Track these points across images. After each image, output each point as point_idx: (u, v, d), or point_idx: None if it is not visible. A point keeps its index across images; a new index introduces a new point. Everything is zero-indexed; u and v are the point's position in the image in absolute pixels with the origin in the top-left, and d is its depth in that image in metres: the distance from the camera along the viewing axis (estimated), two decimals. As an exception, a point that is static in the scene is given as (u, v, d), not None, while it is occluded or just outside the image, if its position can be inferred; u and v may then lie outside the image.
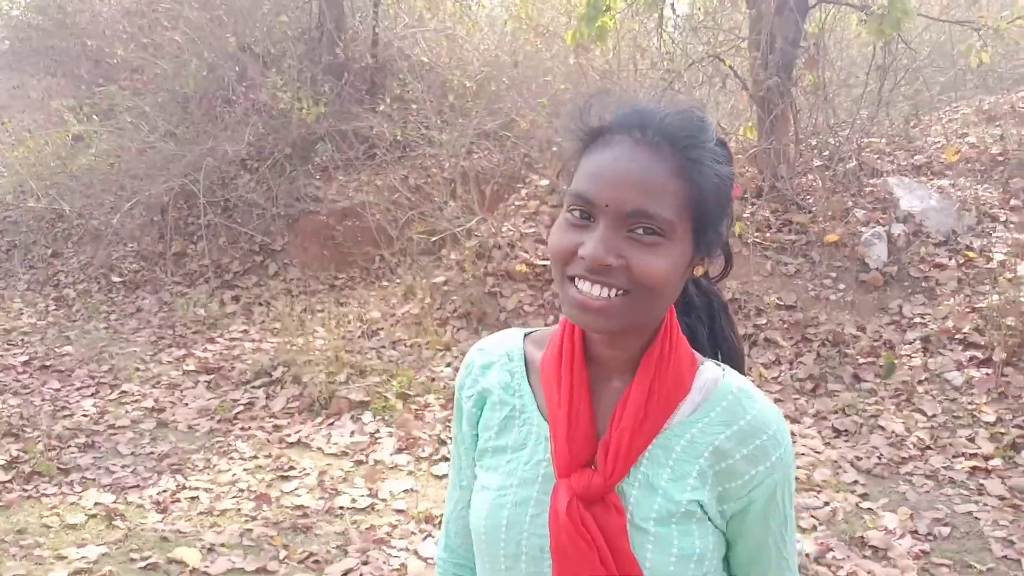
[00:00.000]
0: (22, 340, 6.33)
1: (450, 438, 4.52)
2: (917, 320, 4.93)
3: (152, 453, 4.33)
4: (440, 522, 3.57)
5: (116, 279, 7.62)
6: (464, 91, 8.03)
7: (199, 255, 7.69)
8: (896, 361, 4.62)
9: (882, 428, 4.11)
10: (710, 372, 0.98)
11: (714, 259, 0.99)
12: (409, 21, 9.06)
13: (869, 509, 3.45)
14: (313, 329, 6.07)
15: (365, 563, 3.22)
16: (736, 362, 1.06)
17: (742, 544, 0.98)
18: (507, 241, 6.27)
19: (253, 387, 5.20)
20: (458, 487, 1.11)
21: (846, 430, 4.16)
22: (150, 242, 7.97)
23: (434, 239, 6.78)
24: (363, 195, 7.57)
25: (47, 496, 3.74)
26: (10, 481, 3.87)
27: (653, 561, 0.91)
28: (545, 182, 6.76)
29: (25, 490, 3.78)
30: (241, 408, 4.92)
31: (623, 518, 0.91)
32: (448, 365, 5.46)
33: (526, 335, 1.08)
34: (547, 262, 6.13)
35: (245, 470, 4.12)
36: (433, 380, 5.18)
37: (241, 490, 3.89)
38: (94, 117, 7.71)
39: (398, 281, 6.85)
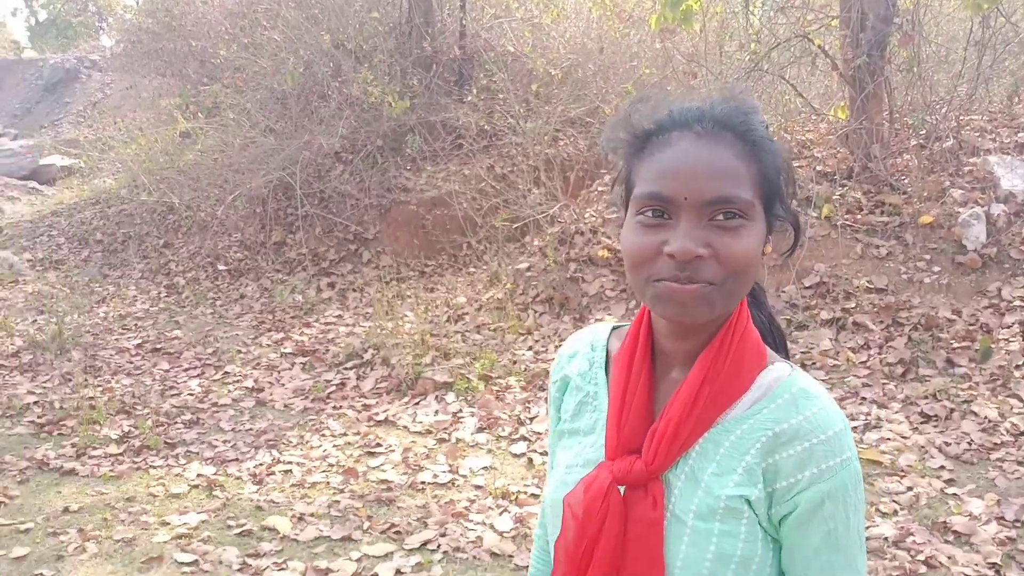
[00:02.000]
0: (136, 325, 6.80)
1: (529, 418, 4.63)
2: (1017, 303, 4.70)
3: (251, 429, 4.61)
4: (516, 498, 3.68)
5: (221, 267, 8.05)
6: (549, 79, 8.09)
7: (297, 244, 8.03)
8: (993, 345, 4.43)
9: (974, 414, 3.96)
10: (777, 371, 0.96)
11: (779, 235, 1.00)
12: (495, 12, 9.17)
13: (954, 495, 3.35)
14: (403, 314, 6.28)
15: (443, 535, 3.36)
16: (781, 343, 1.07)
17: (786, 556, 0.93)
18: (589, 227, 6.31)
19: (345, 368, 5.44)
20: (551, 468, 1.15)
21: (935, 415, 4.03)
22: (252, 232, 8.37)
23: (517, 226, 6.88)
24: (451, 184, 7.74)
25: (154, 468, 4.05)
26: (122, 454, 4.21)
27: (687, 556, 0.89)
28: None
29: (135, 462, 4.11)
30: (333, 388, 5.16)
31: (659, 512, 0.90)
32: (529, 349, 5.56)
33: (614, 328, 1.11)
34: (629, 247, 6.16)
35: (335, 446, 4.33)
36: (515, 363, 5.29)
37: (331, 465, 4.10)
38: (200, 115, 8.15)
39: (484, 268, 6.99)
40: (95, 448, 4.24)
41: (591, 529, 0.91)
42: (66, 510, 3.53)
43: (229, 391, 5.21)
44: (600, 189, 6.88)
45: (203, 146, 7.87)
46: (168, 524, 3.40)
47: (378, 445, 4.35)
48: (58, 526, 3.38)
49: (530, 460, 4.15)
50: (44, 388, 5.23)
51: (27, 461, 4.06)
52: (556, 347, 5.45)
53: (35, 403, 4.93)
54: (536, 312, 6.07)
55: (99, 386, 5.28)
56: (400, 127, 8.19)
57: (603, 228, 6.25)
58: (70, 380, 5.40)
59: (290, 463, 4.11)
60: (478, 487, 3.85)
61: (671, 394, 0.95)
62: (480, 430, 4.48)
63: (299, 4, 9.01)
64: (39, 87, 17.62)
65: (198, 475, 3.95)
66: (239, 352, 5.92)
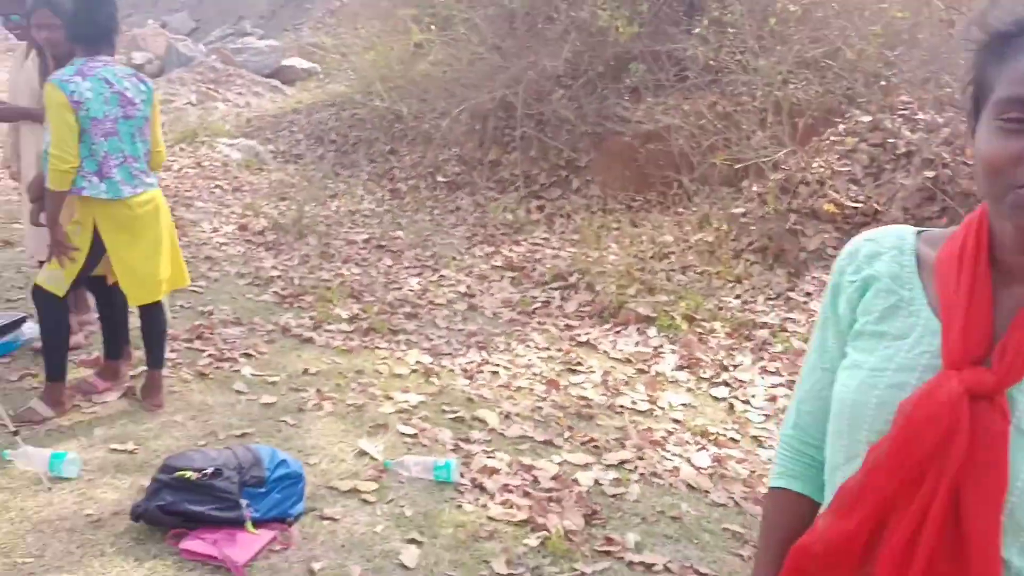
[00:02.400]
0: (363, 221, 7.32)
1: (732, 365, 4.58)
2: None
3: (462, 330, 4.89)
4: (716, 439, 3.69)
5: (440, 179, 8.44)
6: (788, 15, 7.64)
7: (511, 164, 8.24)
8: None
9: None
10: None
11: None
12: (736, -61, 8.72)
13: None
14: (607, 245, 6.35)
15: (640, 458, 3.45)
16: None
17: None
18: (816, 178, 6.00)
19: (551, 288, 5.61)
20: (818, 369, 1.14)
21: None
22: (471, 148, 8.68)
23: (737, 168, 6.68)
24: (669, 119, 7.59)
25: (379, 349, 4.42)
26: (352, 332, 4.62)
27: None
28: (868, 118, 6.32)
29: (363, 341, 4.49)
30: (539, 305, 5.35)
31: (1007, 423, 0.88)
32: (737, 297, 5.45)
33: (918, 233, 1.09)
34: (859, 205, 5.82)
35: (539, 358, 4.52)
36: (720, 309, 5.22)
37: (534, 374, 4.29)
38: (432, 27, 8.44)
39: (694, 209, 6.87)
40: (329, 324, 4.68)
41: (932, 436, 0.90)
42: (305, 371, 3.95)
43: (444, 292, 5.54)
44: (832, 139, 6.51)
45: (435, 59, 8.17)
46: (392, 399, 3.73)
47: (579, 364, 4.48)
48: (299, 384, 3.80)
49: (731, 405, 4.14)
50: (286, 266, 5.80)
51: (272, 325, 4.56)
52: (767, 299, 5.32)
53: (278, 277, 5.48)
54: (747, 261, 5.91)
55: (331, 270, 5.78)
56: (624, 55, 8.09)
57: (832, 180, 5.93)
58: (307, 262, 5.95)
59: (497, 365, 4.35)
60: (676, 421, 3.90)
61: (1014, 308, 0.93)
62: (680, 368, 4.50)
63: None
64: (288, -8, 18.93)
65: (417, 362, 4.26)
66: (454, 259, 6.25)
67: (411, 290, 5.58)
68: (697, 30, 7.77)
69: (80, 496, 2.69)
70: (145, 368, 3.49)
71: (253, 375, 3.83)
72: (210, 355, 3.98)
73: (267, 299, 5.05)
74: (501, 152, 8.51)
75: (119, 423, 3.24)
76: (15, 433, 2.73)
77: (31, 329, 3.91)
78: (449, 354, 4.49)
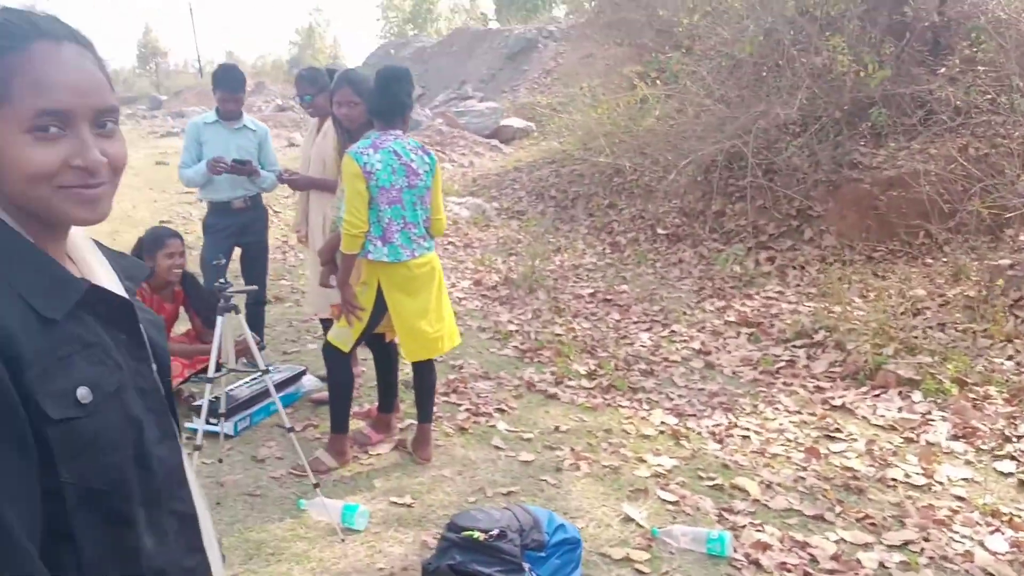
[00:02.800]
0: (587, 275, 7.39)
1: (1016, 436, 4.09)
2: None
3: (703, 389, 4.74)
4: (1011, 520, 3.27)
5: (660, 231, 8.37)
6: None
7: (737, 215, 8.02)
8: None
9: None
10: None
11: None
12: (989, -29, 8.06)
13: None
14: (850, 299, 5.95)
15: (926, 539, 3.12)
16: None
17: None
18: (1104, 225, 5.31)
19: (794, 346, 5.32)
20: None
21: None
22: (692, 200, 8.55)
23: (998, 217, 6.06)
24: (913, 164, 7.07)
25: (622, 407, 4.37)
26: (593, 389, 4.62)
27: None
28: None
29: (605, 398, 4.47)
30: (783, 364, 5.08)
31: None
32: (1010, 359, 4.89)
33: None
34: None
35: (791, 422, 4.27)
36: (993, 371, 4.69)
37: (789, 440, 4.05)
38: (658, 82, 8.46)
39: (944, 260, 6.32)
40: (570, 380, 4.71)
41: None
42: (556, 429, 3.98)
43: (677, 349, 5.42)
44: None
45: (661, 113, 8.17)
46: (645, 461, 3.65)
47: (837, 430, 4.18)
48: (552, 442, 3.83)
49: (1020, 481, 3.67)
50: (520, 320, 5.95)
51: (518, 380, 4.66)
52: (1051, 360, 4.72)
53: (516, 331, 5.63)
54: (1018, 318, 5.31)
55: (563, 325, 5.85)
56: (863, 99, 7.67)
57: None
58: (539, 316, 6.07)
59: (747, 429, 4.15)
60: (959, 498, 3.50)
61: None
62: (955, 437, 4.07)
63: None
64: (503, 55, 19.91)
65: (662, 422, 4.17)
66: (684, 314, 6.12)
67: (643, 346, 5.51)
68: (942, 70, 7.23)
69: (370, 549, 2.83)
70: (412, 422, 3.67)
71: (508, 431, 3.91)
72: (467, 409, 4.12)
73: (508, 353, 5.19)
74: (725, 203, 8.31)
75: (394, 476, 3.41)
76: (316, 485, 2.93)
77: (310, 381, 4.26)
78: (693, 415, 4.35)
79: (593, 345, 5.43)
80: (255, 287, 3.48)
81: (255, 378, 3.93)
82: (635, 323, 6.02)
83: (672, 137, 8.30)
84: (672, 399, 4.57)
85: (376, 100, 3.27)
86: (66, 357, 0.90)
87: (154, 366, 1.06)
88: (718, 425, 4.21)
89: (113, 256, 1.14)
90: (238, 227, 4.37)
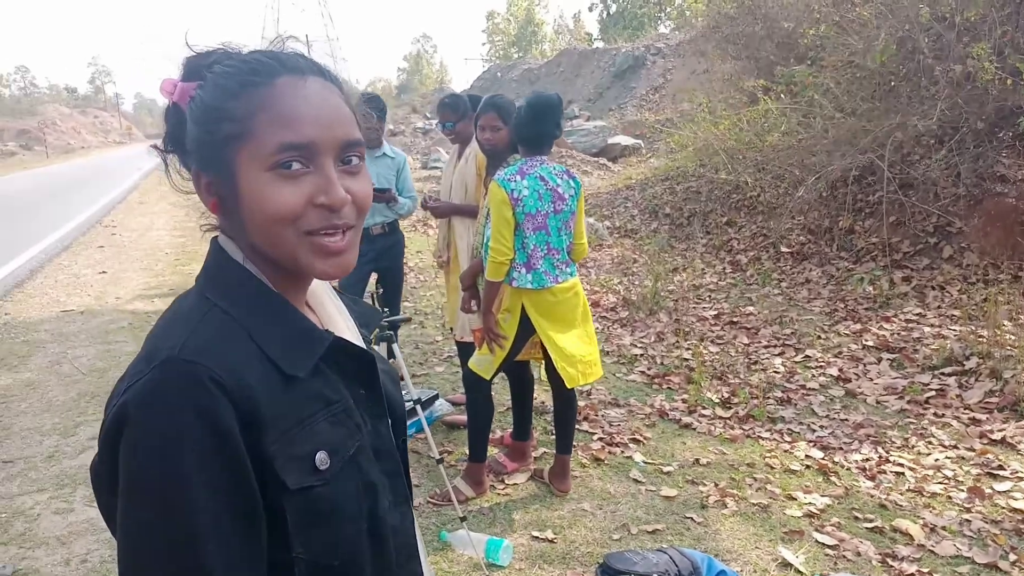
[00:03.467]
0: (709, 296, 7.17)
1: None
2: None
3: (846, 420, 4.48)
4: None
5: (784, 250, 8.06)
6: None
7: (867, 232, 7.63)
8: None
9: None
10: None
11: None
12: None
13: None
14: (1000, 322, 5.53)
15: (1124, 597, 2.82)
16: None
17: None
18: None
19: (943, 374, 4.97)
20: None
21: None
22: (816, 217, 8.20)
23: None
24: (1069, 176, 6.57)
25: (763, 439, 4.17)
26: (729, 418, 4.43)
27: None
28: None
29: (743, 429, 4.28)
30: (932, 393, 4.75)
31: None
32: None
33: None
34: None
35: (947, 458, 3.97)
36: None
37: (947, 477, 3.76)
38: (783, 96, 8.18)
39: (1103, 280, 5.81)
40: (703, 408, 4.54)
41: None
42: (696, 462, 3.83)
43: (814, 375, 5.16)
44: None
45: (787, 127, 7.88)
46: (795, 499, 3.46)
47: (1000, 467, 3.85)
48: (694, 476, 3.68)
49: None
50: (643, 343, 5.81)
51: (649, 408, 4.53)
52: None
53: (641, 356, 5.50)
54: None
55: (689, 348, 5.68)
56: (1008, 108, 7.17)
57: None
58: (663, 339, 5.91)
59: (900, 465, 3.88)
60: None
61: None
62: None
63: (895, -23, 8.43)
64: (610, 74, 19.82)
65: (806, 456, 3.96)
66: (818, 337, 5.84)
67: (776, 371, 5.27)
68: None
69: (516, 586, 2.77)
70: (546, 450, 3.60)
71: (646, 463, 3.79)
72: (600, 439, 4.03)
73: (636, 379, 5.06)
74: (854, 220, 7.93)
75: (533, 508, 3.35)
76: (463, 519, 2.90)
77: (443, 405, 4.26)
78: (839, 448, 4.11)
79: (723, 371, 5.24)
80: (408, 317, 3.49)
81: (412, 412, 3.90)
82: (765, 347, 5.78)
83: (799, 152, 7.98)
84: (814, 430, 4.33)
85: (525, 128, 3.24)
86: (308, 418, 0.86)
87: (388, 421, 1.01)
88: (867, 460, 3.95)
89: (347, 302, 1.10)
90: (375, 253, 4.43)
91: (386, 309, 3.10)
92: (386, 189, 4.29)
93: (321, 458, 0.85)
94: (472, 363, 3.41)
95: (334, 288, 1.11)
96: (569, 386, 3.33)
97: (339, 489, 0.87)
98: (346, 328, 1.02)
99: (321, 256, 0.87)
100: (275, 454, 0.82)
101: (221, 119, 0.85)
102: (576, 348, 3.30)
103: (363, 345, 1.02)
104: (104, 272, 9.09)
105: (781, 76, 8.21)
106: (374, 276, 4.65)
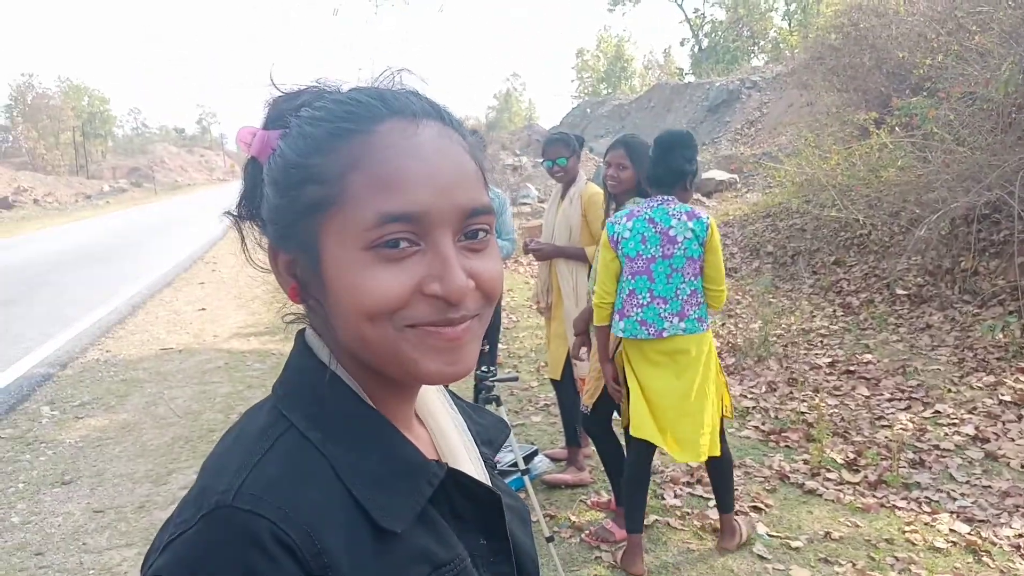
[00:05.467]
0: (821, 342, 6.72)
1: None
2: None
3: (989, 487, 4.01)
4: None
5: (900, 292, 7.53)
6: None
7: (993, 273, 7.05)
8: None
9: None
10: None
11: None
12: None
13: None
14: None
15: None
16: None
17: None
18: None
19: (1103, 436, 4.44)
20: None
21: None
22: (935, 256, 7.65)
23: None
24: None
25: (898, 509, 3.76)
26: (858, 484, 4.02)
27: None
28: None
29: (876, 498, 3.87)
30: (1094, 460, 4.23)
31: None
32: None
33: None
34: None
35: (1121, 538, 3.47)
36: None
37: (1123, 563, 3.28)
38: (895, 129, 7.71)
39: None
40: (828, 470, 4.15)
41: None
42: (827, 535, 3.45)
43: (947, 434, 4.68)
44: None
45: (903, 162, 7.40)
46: (947, 585, 3.06)
47: None
48: (826, 553, 3.30)
49: None
50: (754, 394, 5.43)
51: (767, 469, 4.17)
52: None
53: (752, 408, 5.13)
54: None
55: (804, 401, 5.28)
56: None
57: None
58: (775, 390, 5.52)
59: (1063, 545, 3.41)
60: None
61: None
62: None
63: (1019, 3, 7.89)
64: (703, 108, 19.45)
65: (951, 530, 3.53)
66: (948, 390, 5.34)
67: (903, 429, 4.82)
68: None
69: None
70: (655, 517, 3.30)
71: (770, 535, 3.44)
72: (716, 505, 3.69)
73: (750, 435, 4.70)
74: (977, 261, 7.35)
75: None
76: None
77: (543, 463, 4.02)
78: (986, 521, 3.65)
79: (845, 427, 4.82)
80: (516, 377, 3.29)
81: (510, 472, 3.67)
82: (889, 400, 5.32)
83: (916, 188, 7.48)
84: (955, 499, 3.88)
85: (652, 167, 3.03)
86: None
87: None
88: (1020, 536, 3.50)
89: (466, 410, 0.86)
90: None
91: (493, 368, 2.90)
92: (486, 233, 4.12)
93: None
94: (632, 429, 3.11)
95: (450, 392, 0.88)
96: (681, 460, 3.05)
97: None
98: (463, 450, 0.78)
99: (431, 353, 0.65)
100: None
101: (304, 181, 0.65)
102: (673, 418, 3.01)
103: (485, 477, 0.79)
104: (203, 309, 9.27)
105: (899, 108, 7.74)
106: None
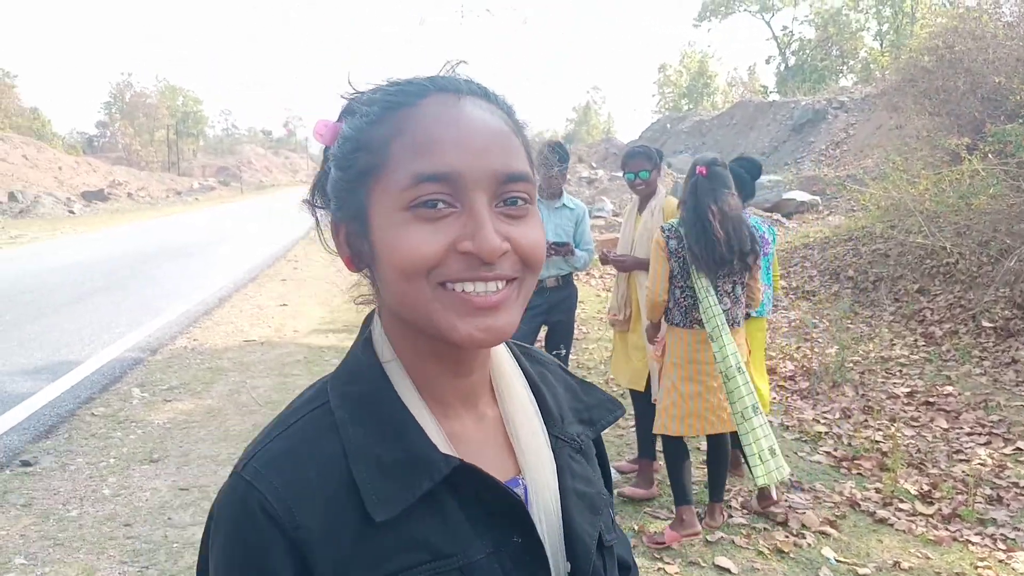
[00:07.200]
0: (899, 371, 6.55)
1: None
2: None
3: (1074, 530, 3.87)
4: None
5: (986, 324, 7.28)
6: None
7: (1087, 310, 6.76)
8: None
9: None
10: None
11: None
12: None
13: None
14: None
15: None
16: None
17: None
18: None
19: None
20: None
21: None
22: (1025, 289, 7.37)
23: None
24: None
25: (972, 544, 3.66)
26: (932, 516, 3.94)
27: None
28: None
29: (949, 531, 3.78)
30: None
31: None
32: None
33: None
34: None
35: None
36: None
37: None
38: (988, 156, 7.48)
39: None
40: (900, 501, 4.07)
41: None
42: (896, 565, 3.40)
43: (1030, 473, 4.53)
44: None
45: (995, 191, 7.17)
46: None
47: None
48: (895, 582, 3.27)
49: None
50: (827, 419, 5.35)
51: (837, 496, 4.11)
52: None
53: (825, 434, 5.05)
54: None
55: (879, 429, 5.17)
56: None
57: None
58: (849, 416, 5.42)
59: None
60: None
61: None
62: None
63: None
64: (787, 127, 19.12)
65: (1027, 570, 3.43)
66: (1033, 429, 5.16)
67: (982, 464, 4.68)
68: None
69: None
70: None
71: (838, 560, 3.40)
72: (780, 524, 3.68)
73: (821, 460, 4.64)
74: (1070, 295, 7.06)
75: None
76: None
77: (612, 475, 4.07)
78: (1067, 563, 3.53)
79: (920, 459, 4.71)
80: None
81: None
82: (968, 434, 5.16)
83: (1008, 218, 7.24)
84: (1033, 539, 3.76)
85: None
86: (394, 575, 0.65)
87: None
88: (1104, 583, 3.37)
89: (572, 387, 0.85)
90: (548, 305, 4.34)
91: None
92: (564, 243, 4.19)
93: None
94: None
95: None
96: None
97: None
98: (530, 434, 0.77)
99: (461, 314, 0.66)
100: None
101: (356, 150, 0.69)
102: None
103: (548, 462, 0.77)
104: (285, 305, 9.60)
105: (993, 135, 7.51)
106: (544, 329, 4.56)
